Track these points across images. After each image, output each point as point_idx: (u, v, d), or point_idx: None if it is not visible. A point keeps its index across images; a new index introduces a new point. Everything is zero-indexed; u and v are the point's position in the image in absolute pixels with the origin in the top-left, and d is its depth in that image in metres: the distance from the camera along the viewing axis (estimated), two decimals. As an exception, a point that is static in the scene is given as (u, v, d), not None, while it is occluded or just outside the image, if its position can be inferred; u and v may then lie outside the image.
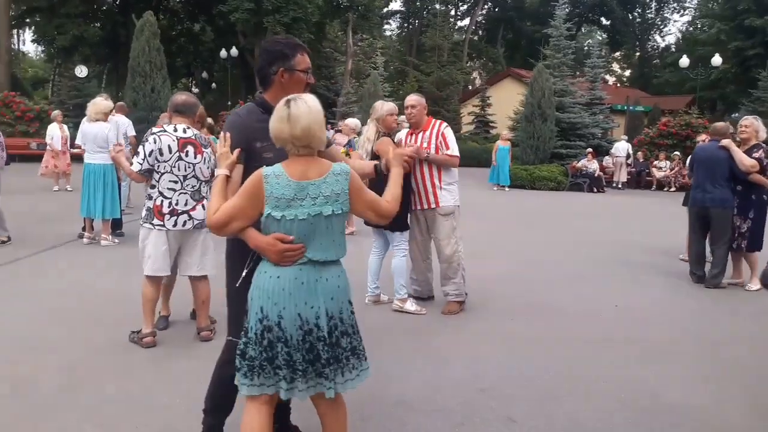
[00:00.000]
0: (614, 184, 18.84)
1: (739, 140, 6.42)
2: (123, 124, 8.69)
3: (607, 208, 13.93)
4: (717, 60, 23.62)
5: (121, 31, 29.49)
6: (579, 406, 3.37)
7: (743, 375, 3.92)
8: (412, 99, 5.10)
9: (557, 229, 10.24)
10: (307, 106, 2.18)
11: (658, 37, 52.00)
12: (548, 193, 16.69)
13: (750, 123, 6.33)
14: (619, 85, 50.58)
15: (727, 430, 3.17)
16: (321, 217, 2.22)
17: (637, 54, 50.65)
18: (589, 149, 18.41)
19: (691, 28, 44.74)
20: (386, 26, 50.29)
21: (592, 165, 17.76)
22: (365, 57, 31.58)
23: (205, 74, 37.83)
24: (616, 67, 59.92)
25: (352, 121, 9.15)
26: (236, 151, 2.37)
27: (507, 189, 16.81)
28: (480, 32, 51.64)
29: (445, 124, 5.09)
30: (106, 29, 31.35)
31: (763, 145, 6.22)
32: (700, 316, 5.33)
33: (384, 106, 4.99)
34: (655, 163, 19.16)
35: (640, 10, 48.83)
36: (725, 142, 6.30)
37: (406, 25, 50.55)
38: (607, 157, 19.46)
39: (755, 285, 6.19)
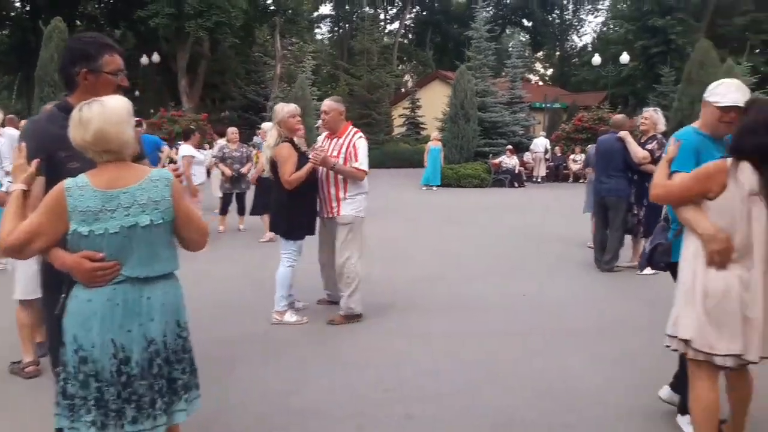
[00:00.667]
0: (534, 179, 19.80)
1: (640, 133, 6.93)
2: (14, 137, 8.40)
3: (526, 202, 14.66)
4: (625, 58, 25.11)
5: (31, 38, 28.34)
6: (483, 399, 3.55)
7: (636, 358, 4.19)
8: (326, 104, 5.01)
9: (478, 225, 10.75)
10: (101, 107, 1.98)
11: (575, 38, 54.42)
12: (473, 191, 17.33)
13: (649, 115, 6.79)
14: (541, 83, 52.65)
15: (623, 412, 3.37)
16: (137, 228, 1.99)
17: (557, 54, 52.75)
18: (509, 146, 19.24)
19: (604, 29, 47.11)
20: (317, 30, 50.55)
21: (512, 161, 18.57)
22: (296, 61, 31.59)
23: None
24: (538, 66, 62.23)
25: (267, 125, 9.21)
26: (34, 163, 2.10)
27: (435, 189, 17.35)
28: (409, 36, 52.55)
29: (359, 134, 4.96)
30: (15, 36, 30.02)
31: (659, 136, 6.70)
32: (602, 302, 5.73)
33: (284, 109, 4.91)
34: (572, 156, 20.21)
35: (558, 12, 50.97)
36: (622, 133, 6.85)
37: (336, 29, 50.78)
38: (527, 153, 20.38)
39: (649, 269, 6.78)
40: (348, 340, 4.64)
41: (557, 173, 20.42)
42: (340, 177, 4.89)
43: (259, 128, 11.62)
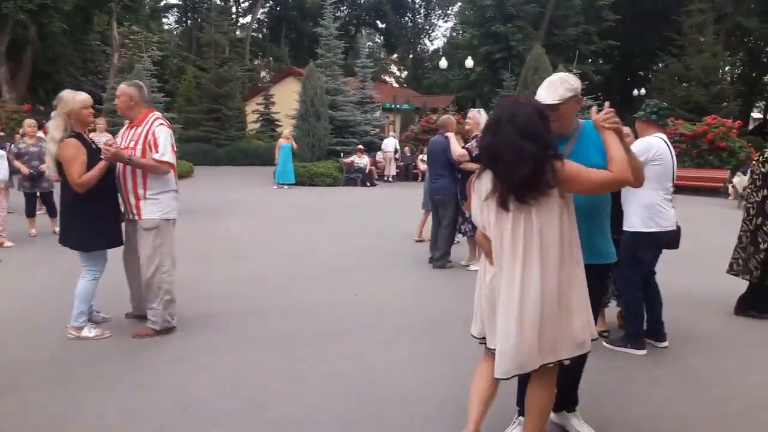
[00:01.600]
0: (385, 178, 20.10)
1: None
2: None
3: (375, 201, 14.77)
4: (469, 62, 26.40)
5: None
6: (278, 409, 3.37)
7: (456, 354, 4.19)
8: (119, 88, 4.43)
9: (324, 223, 10.60)
10: None
11: (427, 41, 56.62)
12: (325, 189, 17.19)
13: (473, 115, 6.88)
14: (396, 85, 54.11)
15: (434, 414, 3.31)
16: None
17: (411, 56, 54.47)
18: (360, 146, 19.34)
19: (454, 33, 49.47)
20: (165, 20, 47.66)
21: (363, 160, 18.69)
22: (138, 51, 29.47)
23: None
24: (394, 68, 63.88)
25: (100, 120, 8.34)
26: None
27: (287, 187, 16.95)
28: (264, 30, 51.39)
29: (159, 121, 4.37)
30: None
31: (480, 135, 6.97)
32: (431, 299, 5.78)
33: (77, 98, 4.26)
34: (420, 156, 20.75)
35: (410, 15, 52.62)
36: (448, 134, 6.98)
37: (184, 19, 48.23)
38: (379, 153, 20.63)
39: (474, 266, 6.98)
40: (152, 356, 4.16)
41: (407, 172, 20.88)
42: (139, 174, 4.31)
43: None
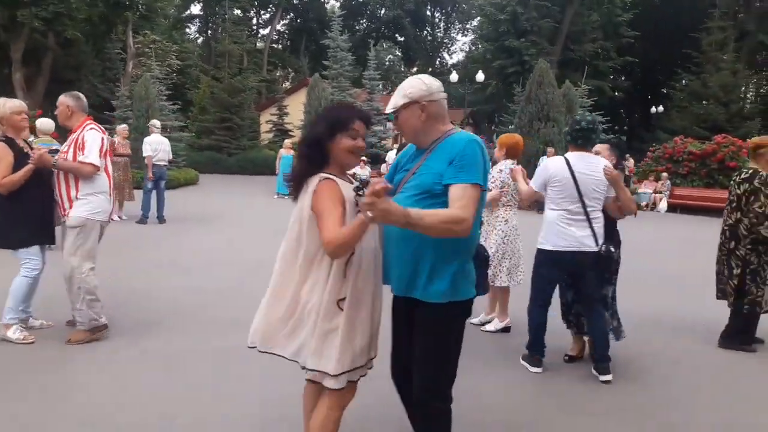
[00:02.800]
0: (389, 190, 19.96)
1: None
2: None
3: (372, 212, 14.59)
4: (480, 76, 26.24)
5: None
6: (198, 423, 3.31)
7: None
8: (59, 99, 4.56)
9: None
10: None
11: (446, 55, 56.62)
12: (325, 200, 17.06)
13: None
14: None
15: None
16: None
17: (430, 70, 54.50)
18: (362, 157, 19.26)
19: (473, 48, 49.39)
20: (187, 30, 48.46)
21: (364, 172, 18.60)
22: (157, 59, 29.97)
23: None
24: (414, 80, 64.02)
25: (45, 122, 8.25)
26: None
27: (287, 197, 16.89)
28: (284, 42, 51.95)
29: (91, 126, 4.48)
30: None
31: None
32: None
33: (7, 104, 4.42)
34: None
35: (429, 29, 52.73)
36: None
37: (206, 30, 49.03)
38: (383, 165, 20.54)
39: None
40: (74, 364, 4.09)
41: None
42: (70, 175, 4.40)
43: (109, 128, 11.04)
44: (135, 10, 25.95)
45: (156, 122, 11.65)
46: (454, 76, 27.23)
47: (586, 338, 4.54)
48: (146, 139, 11.08)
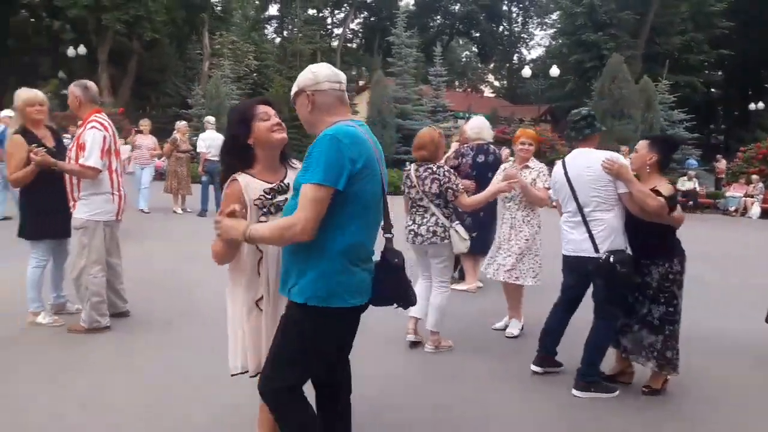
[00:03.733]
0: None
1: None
2: None
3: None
4: (555, 71, 25.17)
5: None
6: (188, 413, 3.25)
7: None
8: (68, 89, 4.56)
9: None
10: None
11: (524, 50, 55.00)
12: (389, 198, 16.90)
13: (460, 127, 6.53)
14: (492, 95, 53.10)
15: None
16: None
17: (507, 65, 53.23)
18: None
19: (553, 42, 47.70)
20: (266, 30, 49.68)
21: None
22: (236, 60, 30.89)
23: (61, 73, 35.40)
24: (491, 77, 62.77)
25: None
26: None
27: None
28: (358, 40, 52.27)
29: (92, 123, 4.30)
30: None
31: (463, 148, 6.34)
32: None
33: (21, 95, 4.41)
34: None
35: (506, 24, 51.39)
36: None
37: (281, 30, 50.09)
38: (444, 159, 20.10)
39: (461, 286, 6.50)
40: (85, 351, 4.16)
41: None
42: (73, 176, 4.35)
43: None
44: (210, 11, 26.75)
45: (210, 118, 11.85)
46: (526, 71, 26.38)
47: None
48: (201, 136, 11.30)
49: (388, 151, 18.62)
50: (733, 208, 16.44)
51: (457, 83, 59.49)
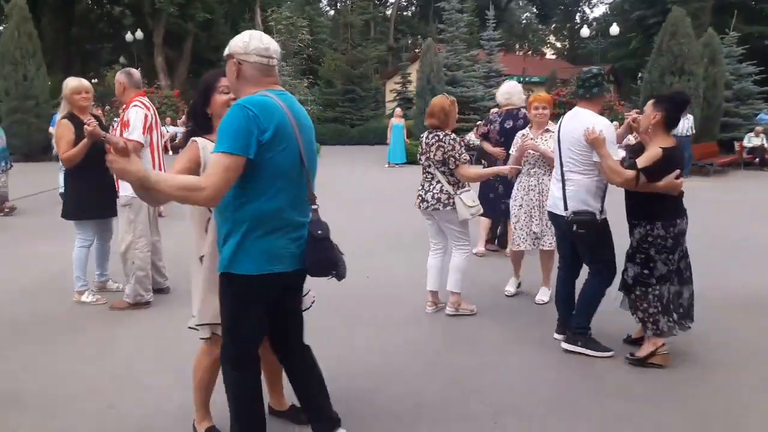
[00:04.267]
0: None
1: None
2: None
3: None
4: (615, 29, 24.01)
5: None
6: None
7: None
8: (115, 76, 4.84)
9: (398, 204, 10.29)
10: None
11: (587, 9, 52.66)
12: (436, 168, 16.76)
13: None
14: (554, 57, 51.34)
15: None
16: None
17: (568, 26, 51.20)
18: (479, 122, 18.55)
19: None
20: (320, 4, 49.70)
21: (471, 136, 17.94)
22: (290, 35, 31.17)
23: (122, 59, 36.82)
24: (553, 39, 60.59)
25: None
26: None
27: (397, 166, 16.87)
28: (413, 8, 51.47)
29: (135, 102, 4.57)
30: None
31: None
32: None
33: (68, 84, 4.63)
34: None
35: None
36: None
37: (335, 3, 49.93)
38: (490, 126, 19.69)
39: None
40: (126, 326, 4.39)
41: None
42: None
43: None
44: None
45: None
46: (584, 31, 25.30)
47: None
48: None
49: (438, 120, 18.42)
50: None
51: (517, 46, 57.90)
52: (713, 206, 9.99)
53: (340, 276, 2.38)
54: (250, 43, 2.25)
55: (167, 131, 20.46)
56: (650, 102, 3.61)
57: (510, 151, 5.09)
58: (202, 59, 33.66)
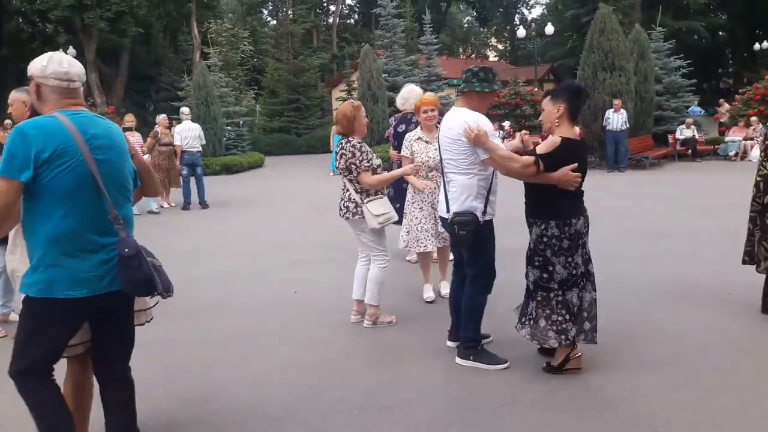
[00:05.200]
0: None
1: None
2: None
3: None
4: (549, 29, 24.55)
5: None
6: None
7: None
8: (10, 96, 4.38)
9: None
10: None
11: (525, 10, 53.79)
12: (381, 174, 16.71)
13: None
14: (496, 59, 52.11)
15: None
16: None
17: (508, 27, 52.17)
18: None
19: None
20: (263, 14, 49.23)
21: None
22: (231, 47, 30.68)
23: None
24: (494, 41, 61.64)
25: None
26: None
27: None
28: (356, 16, 51.53)
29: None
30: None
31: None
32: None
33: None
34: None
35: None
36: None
37: (276, 13, 49.52)
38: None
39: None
40: None
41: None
42: None
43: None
44: (196, 0, 26.48)
45: (185, 110, 11.69)
46: (521, 32, 25.79)
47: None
48: (176, 128, 11.18)
49: (381, 126, 18.36)
50: (732, 153, 15.94)
51: (461, 50, 58.60)
52: (652, 199, 10.25)
53: (164, 293, 2.35)
54: (48, 66, 2.27)
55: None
56: (547, 98, 3.53)
57: (403, 154, 5.03)
58: (141, 74, 32.84)
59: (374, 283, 4.36)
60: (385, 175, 4.36)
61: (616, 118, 14.61)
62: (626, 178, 13.56)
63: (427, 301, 5.03)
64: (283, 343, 4.24)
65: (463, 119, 3.50)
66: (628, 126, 14.74)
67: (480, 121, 3.46)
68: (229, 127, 19.91)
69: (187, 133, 10.89)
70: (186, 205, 11.03)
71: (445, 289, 4.96)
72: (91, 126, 2.28)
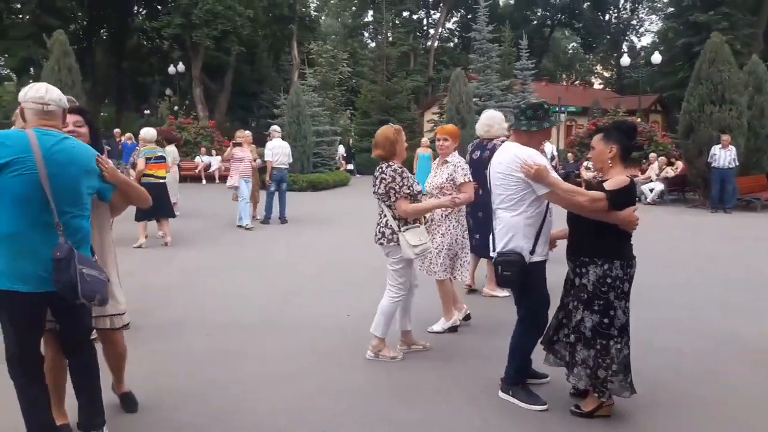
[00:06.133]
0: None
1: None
2: None
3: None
4: (657, 58, 23.22)
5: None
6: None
7: None
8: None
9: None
10: None
11: (634, 38, 51.57)
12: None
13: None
14: (601, 86, 50.28)
15: None
16: None
17: (615, 55, 50.19)
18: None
19: (663, 26, 44.23)
20: (362, 37, 50.43)
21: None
22: (330, 68, 31.56)
23: (168, 91, 38.09)
24: (600, 68, 59.51)
25: (148, 131, 8.84)
26: None
27: (420, 197, 16.46)
28: (456, 40, 51.55)
29: None
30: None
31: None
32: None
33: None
34: (585, 163, 18.71)
35: (614, 11, 48.38)
36: None
37: (377, 35, 50.56)
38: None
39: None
40: None
41: (567, 180, 18.95)
42: None
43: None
44: (298, 22, 27.44)
45: (276, 127, 11.90)
46: (625, 60, 24.57)
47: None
48: (267, 144, 11.38)
49: (465, 150, 18.00)
50: None
51: (564, 76, 57.05)
52: (761, 244, 9.28)
53: (84, 300, 2.56)
54: (28, 93, 2.68)
55: (201, 161, 20.83)
56: (597, 137, 3.28)
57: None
58: (245, 91, 34.46)
59: (382, 315, 4.15)
60: (423, 204, 4.11)
61: (724, 155, 13.43)
62: (732, 221, 12.36)
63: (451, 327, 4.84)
64: (322, 365, 4.13)
65: (514, 154, 3.30)
66: (737, 164, 13.52)
67: (533, 157, 3.24)
68: (321, 148, 20.26)
69: (278, 150, 11.09)
70: (266, 219, 11.21)
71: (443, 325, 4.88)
72: (53, 143, 2.59)
